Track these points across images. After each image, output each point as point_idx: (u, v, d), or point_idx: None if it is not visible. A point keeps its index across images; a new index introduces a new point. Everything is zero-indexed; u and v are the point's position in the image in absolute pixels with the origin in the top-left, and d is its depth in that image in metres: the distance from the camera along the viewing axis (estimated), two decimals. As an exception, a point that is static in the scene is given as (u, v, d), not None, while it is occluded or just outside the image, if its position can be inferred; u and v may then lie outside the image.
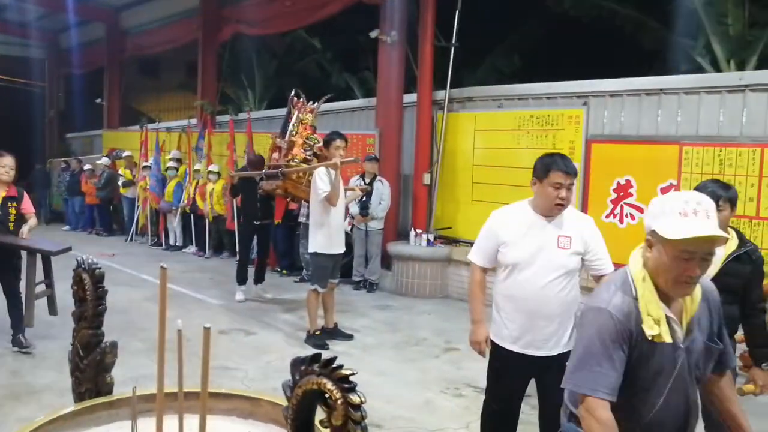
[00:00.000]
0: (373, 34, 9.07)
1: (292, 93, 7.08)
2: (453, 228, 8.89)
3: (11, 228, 5.77)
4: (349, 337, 6.65)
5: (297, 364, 1.42)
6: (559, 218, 3.25)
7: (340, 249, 6.40)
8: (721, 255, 3.16)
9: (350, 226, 8.81)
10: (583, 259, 3.27)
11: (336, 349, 6.30)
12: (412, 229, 8.91)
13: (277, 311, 7.79)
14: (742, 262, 3.20)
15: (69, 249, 5.86)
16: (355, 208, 8.67)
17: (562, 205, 3.17)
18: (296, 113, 6.88)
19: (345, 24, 10.81)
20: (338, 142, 6.16)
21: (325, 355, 1.41)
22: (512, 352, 3.34)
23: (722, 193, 3.24)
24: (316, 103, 7.05)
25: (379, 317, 7.64)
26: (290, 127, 6.83)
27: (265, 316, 7.52)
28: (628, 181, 6.91)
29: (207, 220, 11.34)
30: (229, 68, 13.93)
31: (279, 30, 12.03)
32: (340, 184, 6.22)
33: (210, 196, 11.06)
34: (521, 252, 3.25)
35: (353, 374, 1.33)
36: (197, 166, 11.80)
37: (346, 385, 1.30)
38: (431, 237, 8.77)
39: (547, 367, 3.28)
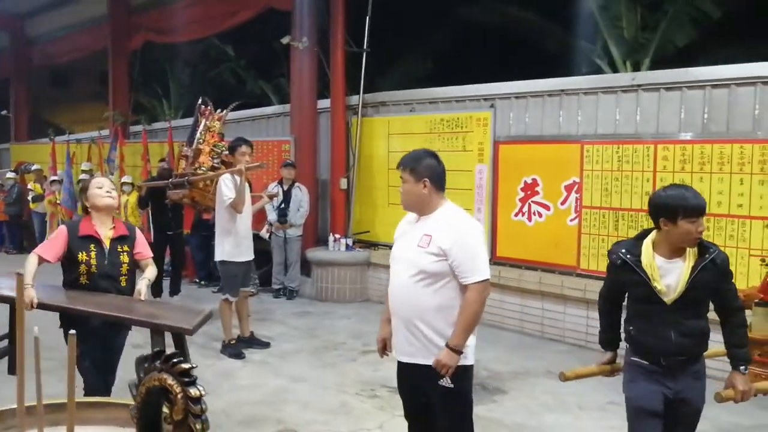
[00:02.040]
0: (285, 40, 9.05)
1: (199, 101, 7.01)
2: (371, 232, 8.95)
3: (123, 284, 3.93)
4: (266, 344, 6.60)
5: (141, 362, 1.42)
6: (431, 217, 3.14)
7: (249, 256, 6.36)
8: (682, 271, 2.91)
9: (269, 234, 8.76)
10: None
11: (253, 357, 6.26)
12: (331, 234, 8.93)
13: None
14: (708, 270, 2.90)
15: (210, 316, 4.01)
16: (273, 216, 8.61)
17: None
18: (203, 121, 6.83)
19: (258, 31, 10.75)
20: (243, 148, 6.14)
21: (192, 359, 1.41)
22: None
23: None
24: (223, 111, 6.99)
25: (298, 324, 7.61)
26: (197, 135, 6.76)
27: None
28: (534, 180, 7.13)
29: (121, 233, 11.02)
30: (141, 77, 13.62)
31: (190, 38, 11.84)
32: (247, 191, 6.18)
33: (124, 208, 10.75)
34: (395, 248, 3.28)
35: (193, 368, 1.33)
36: (110, 178, 11.46)
37: (186, 379, 1.31)
38: (350, 242, 8.80)
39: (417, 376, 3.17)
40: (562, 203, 6.86)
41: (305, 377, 5.76)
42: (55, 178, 12.34)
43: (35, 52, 16.17)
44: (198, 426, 1.34)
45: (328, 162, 9.29)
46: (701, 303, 2.98)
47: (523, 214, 7.19)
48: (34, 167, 13.75)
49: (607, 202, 6.47)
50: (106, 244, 3.87)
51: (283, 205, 8.52)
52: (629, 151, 6.35)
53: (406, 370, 3.23)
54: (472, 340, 3.12)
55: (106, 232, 3.91)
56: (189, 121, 11.69)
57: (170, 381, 1.31)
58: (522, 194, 7.23)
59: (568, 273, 6.77)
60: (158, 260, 8.09)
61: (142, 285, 3.92)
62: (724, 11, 7.17)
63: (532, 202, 7.15)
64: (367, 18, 8.74)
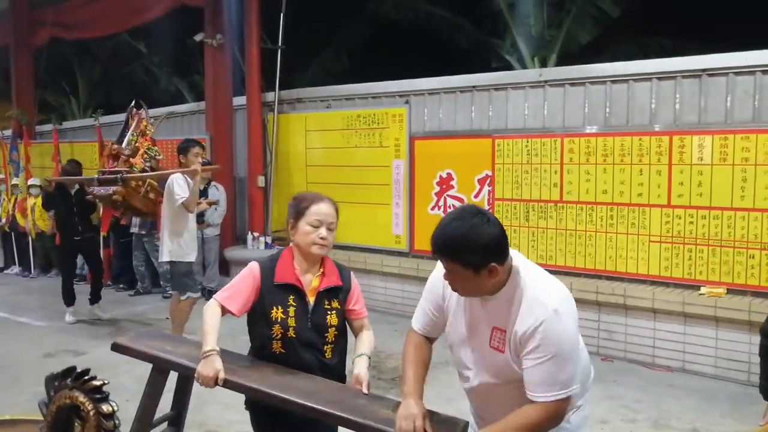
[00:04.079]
0: (198, 37, 8.92)
1: (132, 103, 6.92)
2: (290, 229, 8.93)
3: (328, 355, 2.79)
4: None
5: (50, 380, 1.42)
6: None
7: (195, 257, 6.31)
8: None
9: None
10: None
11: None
12: (249, 232, 8.87)
13: (110, 327, 7.46)
14: None
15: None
16: (190, 215, 8.47)
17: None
18: (134, 123, 6.71)
19: (172, 27, 10.53)
20: (197, 149, 6.14)
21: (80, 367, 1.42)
22: None
23: None
24: (154, 119, 6.91)
25: (225, 323, 7.53)
26: (129, 136, 6.65)
27: (97, 334, 7.18)
28: (449, 174, 7.30)
29: (30, 238, 10.59)
30: (47, 74, 13.07)
31: (99, 34, 11.42)
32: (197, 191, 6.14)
33: (31, 211, 10.34)
34: None
35: (104, 384, 1.35)
36: (14, 181, 10.96)
37: (98, 396, 1.33)
38: (269, 239, 8.77)
39: None
40: (476, 196, 7.07)
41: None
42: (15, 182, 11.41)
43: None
44: (112, 441, 1.35)
45: (245, 160, 9.22)
46: None
47: (439, 208, 7.36)
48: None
49: (518, 194, 6.71)
50: (311, 298, 2.75)
51: (200, 205, 8.40)
52: (538, 144, 6.60)
53: None
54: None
55: (311, 280, 2.78)
56: (107, 119, 11.39)
57: (81, 398, 1.32)
58: (438, 188, 7.41)
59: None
60: (66, 268, 7.89)
61: (362, 367, 2.67)
62: (622, 10, 7.53)
63: (447, 195, 7.33)
64: (282, 15, 8.71)
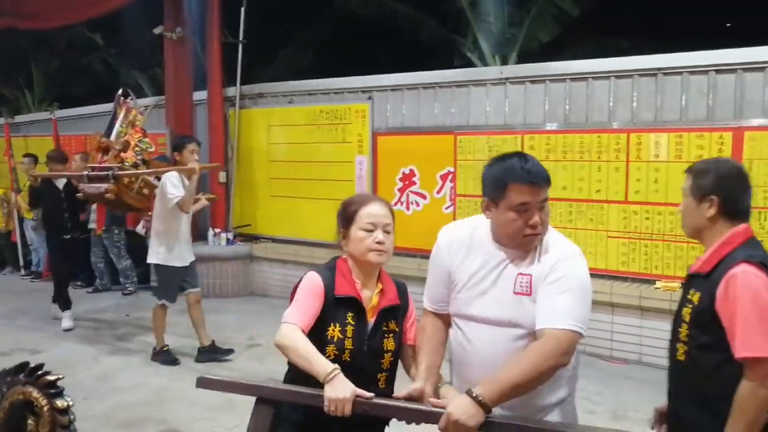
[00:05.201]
0: (157, 30, 8.78)
1: (120, 92, 6.58)
2: (252, 225, 8.90)
3: (382, 385, 2.38)
4: (230, 351, 6.13)
5: (3, 376, 1.40)
6: None
7: (189, 258, 6.00)
8: None
9: (145, 230, 8.49)
10: None
11: (134, 358, 6.10)
12: (211, 228, 8.78)
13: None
14: None
15: None
16: (150, 211, 8.34)
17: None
18: (123, 112, 6.42)
19: (132, 19, 10.34)
20: (192, 146, 5.83)
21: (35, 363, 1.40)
22: None
23: None
24: (144, 108, 6.64)
25: (181, 320, 7.40)
26: (118, 127, 6.33)
27: (55, 333, 7.00)
28: (411, 170, 7.34)
29: (-18, 235, 10.32)
30: (1, 66, 12.72)
31: (56, 24, 11.16)
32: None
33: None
34: None
35: (59, 379, 1.33)
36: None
37: (52, 391, 1.31)
38: (230, 235, 8.70)
39: None
40: (438, 192, 7.12)
41: (188, 375, 5.65)
42: None
43: None
44: (67, 437, 1.34)
45: (206, 155, 9.08)
46: None
47: (402, 204, 7.39)
48: None
49: (479, 190, 6.69)
50: (370, 317, 2.36)
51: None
52: (499, 141, 6.67)
53: None
54: None
55: (370, 297, 2.39)
56: (63, 112, 11.12)
57: (35, 394, 1.30)
58: (400, 184, 7.44)
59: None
60: (57, 271, 7.43)
61: (419, 386, 2.26)
62: (582, 9, 7.66)
63: (410, 191, 7.36)
64: (242, 8, 8.63)
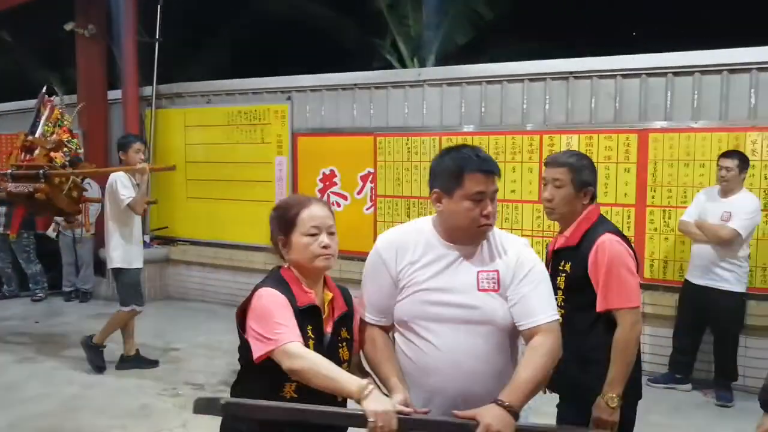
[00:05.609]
0: (68, 26, 8.49)
1: (44, 89, 6.28)
2: (170, 227, 8.69)
3: (340, 398, 2.21)
4: (155, 363, 5.90)
5: None
6: None
7: (142, 262, 5.86)
8: None
9: (56, 234, 8.19)
10: None
11: (42, 366, 5.86)
12: (127, 231, 8.53)
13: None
14: None
15: None
16: (60, 214, 8.03)
17: None
18: (47, 111, 6.11)
19: (41, 15, 9.93)
20: (138, 145, 5.67)
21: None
22: None
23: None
24: (66, 107, 6.35)
25: (94, 327, 7.16)
26: (42, 126, 6.02)
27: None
28: (332, 171, 7.35)
29: None
30: None
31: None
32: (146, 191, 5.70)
33: None
34: None
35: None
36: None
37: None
38: (147, 238, 8.46)
39: None
40: (359, 193, 7.15)
41: (101, 382, 5.51)
42: None
43: None
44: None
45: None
46: None
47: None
48: None
49: (399, 190, 6.83)
50: (326, 327, 2.21)
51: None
52: (417, 142, 6.75)
53: None
54: None
55: (323, 305, 2.25)
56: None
57: None
58: (321, 185, 7.43)
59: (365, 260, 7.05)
60: None
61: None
62: (496, 13, 7.84)
63: (330, 192, 7.36)
64: (159, 6, 8.44)
